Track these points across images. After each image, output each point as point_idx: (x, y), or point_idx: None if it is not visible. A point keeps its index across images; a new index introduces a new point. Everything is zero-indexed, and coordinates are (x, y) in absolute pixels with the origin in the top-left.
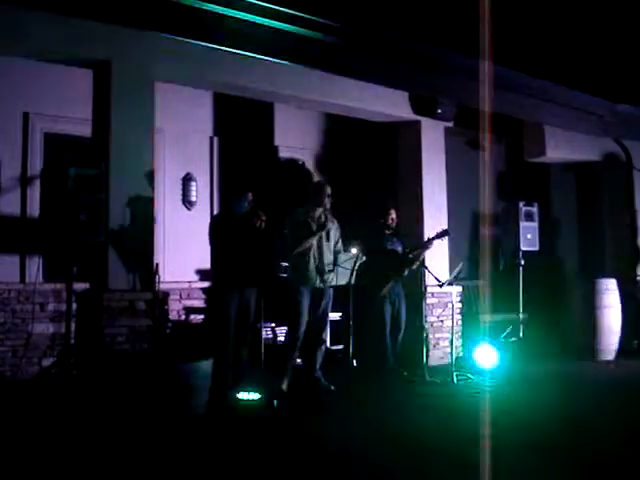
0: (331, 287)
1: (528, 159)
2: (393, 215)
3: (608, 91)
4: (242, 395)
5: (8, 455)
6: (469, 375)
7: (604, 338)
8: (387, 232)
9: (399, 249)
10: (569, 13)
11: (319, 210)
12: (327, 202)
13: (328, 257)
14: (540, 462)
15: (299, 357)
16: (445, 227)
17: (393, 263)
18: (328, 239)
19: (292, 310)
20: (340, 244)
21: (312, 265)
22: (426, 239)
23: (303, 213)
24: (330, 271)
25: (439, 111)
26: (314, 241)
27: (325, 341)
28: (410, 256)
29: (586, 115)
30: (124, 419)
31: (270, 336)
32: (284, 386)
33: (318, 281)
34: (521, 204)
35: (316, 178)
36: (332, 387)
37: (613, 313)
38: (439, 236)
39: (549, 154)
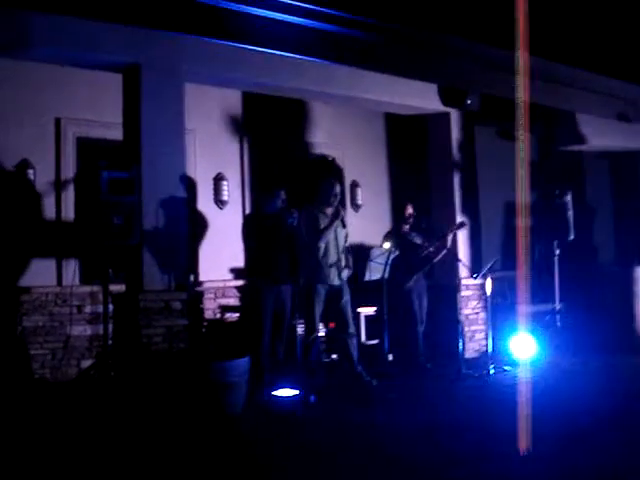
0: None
1: (561, 148)
2: (410, 210)
3: None
4: (279, 392)
5: (51, 453)
6: (506, 367)
7: None
8: (406, 227)
9: (419, 243)
10: None
11: (329, 208)
12: (335, 200)
13: (341, 253)
14: (579, 455)
15: (334, 352)
16: (461, 220)
17: (415, 257)
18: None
19: (308, 309)
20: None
21: (330, 261)
22: (442, 234)
23: (316, 208)
24: (346, 266)
25: (468, 102)
26: (331, 236)
27: (355, 334)
28: (431, 249)
29: (618, 102)
30: (162, 418)
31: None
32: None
33: (337, 278)
34: (555, 193)
35: (345, 175)
36: (374, 382)
37: None
38: (455, 229)
39: (582, 142)
